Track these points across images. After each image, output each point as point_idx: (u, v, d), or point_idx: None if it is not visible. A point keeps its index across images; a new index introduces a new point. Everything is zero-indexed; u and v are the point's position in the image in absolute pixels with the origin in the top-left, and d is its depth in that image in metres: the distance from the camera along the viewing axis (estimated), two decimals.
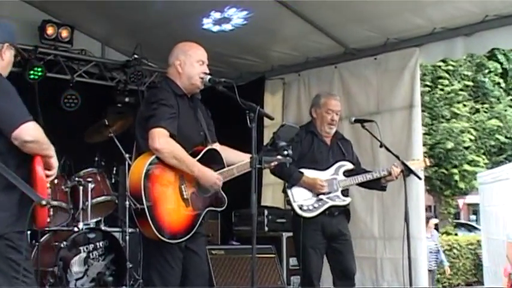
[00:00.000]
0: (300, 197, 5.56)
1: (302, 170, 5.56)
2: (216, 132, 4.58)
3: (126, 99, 8.87)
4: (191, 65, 4.32)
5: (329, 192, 5.57)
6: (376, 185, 5.72)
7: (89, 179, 6.77)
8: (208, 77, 4.30)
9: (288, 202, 5.63)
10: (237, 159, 4.37)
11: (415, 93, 7.38)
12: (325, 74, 8.34)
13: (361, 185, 5.79)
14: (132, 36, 8.44)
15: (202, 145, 4.34)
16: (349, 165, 5.68)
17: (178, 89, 4.30)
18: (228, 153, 4.44)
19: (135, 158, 4.18)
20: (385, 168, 5.65)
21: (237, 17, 7.42)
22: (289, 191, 5.62)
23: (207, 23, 7.55)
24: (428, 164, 5.76)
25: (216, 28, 7.62)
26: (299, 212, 5.53)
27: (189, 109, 4.34)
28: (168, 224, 4.00)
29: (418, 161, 5.83)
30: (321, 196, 5.55)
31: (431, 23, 7.05)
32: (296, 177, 5.58)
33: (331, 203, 5.55)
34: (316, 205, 5.55)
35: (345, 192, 5.65)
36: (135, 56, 8.46)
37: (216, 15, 7.42)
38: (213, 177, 4.18)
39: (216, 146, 4.47)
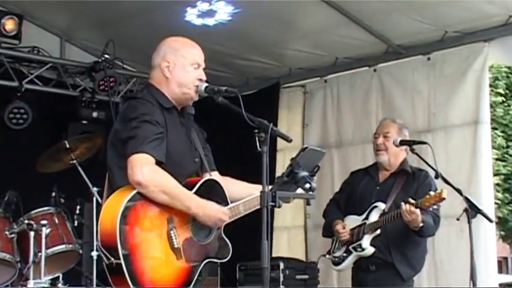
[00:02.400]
0: (336, 247, 6.22)
1: (348, 215, 6.17)
2: (214, 158, 4.63)
3: (94, 114, 8.95)
4: (183, 69, 4.34)
5: (355, 241, 6.00)
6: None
7: (43, 222, 6.78)
8: (205, 84, 4.31)
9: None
10: (244, 193, 4.42)
11: (482, 105, 7.45)
12: (361, 79, 8.43)
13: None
14: (102, 30, 8.55)
15: (197, 175, 4.39)
16: (381, 206, 5.95)
17: (166, 100, 4.32)
18: (232, 186, 4.49)
19: (108, 195, 4.20)
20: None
21: (223, 11, 7.56)
22: (331, 240, 6.28)
23: (191, 14, 7.68)
24: (444, 196, 5.61)
25: (199, 21, 7.75)
26: (331, 265, 6.26)
27: (180, 127, 4.37)
28: (153, 283, 3.99)
29: (433, 195, 5.70)
30: (350, 246, 6.04)
31: (506, 10, 7.14)
32: (326, 224, 6.27)
33: (354, 253, 6.04)
34: (342, 256, 6.11)
35: (374, 241, 5.91)
36: (106, 56, 8.55)
37: (204, 6, 7.55)
38: (216, 212, 4.20)
39: (216, 176, 4.52)
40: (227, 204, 4.35)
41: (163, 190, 4.02)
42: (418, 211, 5.53)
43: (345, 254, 6.06)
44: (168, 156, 4.13)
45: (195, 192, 4.21)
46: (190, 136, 4.42)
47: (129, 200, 3.99)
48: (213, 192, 4.32)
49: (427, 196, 5.56)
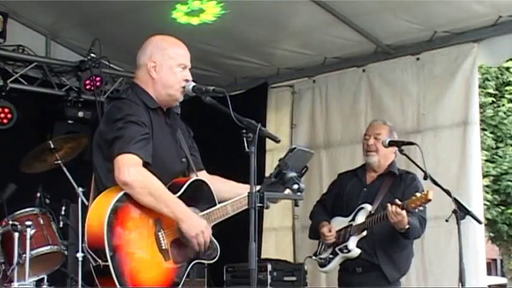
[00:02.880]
0: (321, 249, 6.26)
1: (335, 217, 6.19)
2: (203, 158, 4.63)
3: (80, 114, 8.94)
4: (170, 70, 4.34)
5: (341, 243, 6.03)
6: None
7: (28, 223, 6.77)
8: (193, 84, 4.31)
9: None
10: (232, 193, 4.44)
11: (471, 106, 7.48)
12: (349, 79, 8.46)
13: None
14: (88, 29, 8.54)
15: (184, 175, 4.40)
16: (367, 208, 5.98)
17: (151, 101, 4.33)
18: (220, 185, 4.51)
19: (95, 196, 4.20)
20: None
21: (212, 11, 7.57)
22: (318, 242, 6.31)
23: (179, 11, 7.68)
24: (430, 197, 5.64)
25: (184, 19, 7.74)
26: (318, 266, 6.28)
27: (165, 127, 4.38)
28: (141, 284, 4.00)
29: (419, 196, 5.73)
30: (336, 247, 6.07)
31: (496, 10, 7.17)
32: (313, 226, 6.30)
33: (340, 255, 6.07)
34: (328, 258, 6.15)
35: (360, 243, 5.94)
36: (92, 55, 8.54)
37: (195, 4, 7.55)
38: (198, 226, 4.18)
39: (204, 175, 4.53)
40: (214, 204, 4.36)
41: (150, 192, 4.03)
42: (404, 213, 5.56)
43: (331, 256, 6.10)
44: (154, 157, 4.14)
45: (183, 193, 4.23)
46: (176, 136, 4.43)
47: (117, 201, 4.00)
48: (200, 193, 4.33)
49: (413, 197, 5.59)
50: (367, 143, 6.11)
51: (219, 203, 4.37)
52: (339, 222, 6.08)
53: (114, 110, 4.23)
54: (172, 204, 4.11)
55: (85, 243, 4.07)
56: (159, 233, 4.10)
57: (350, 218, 6.03)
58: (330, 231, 6.03)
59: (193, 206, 4.25)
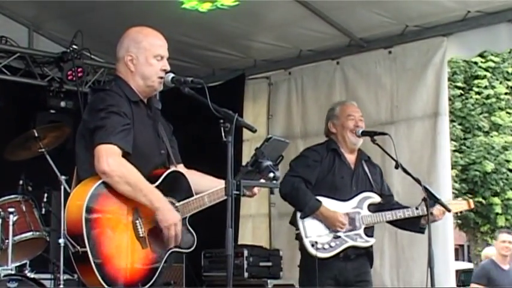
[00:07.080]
0: (314, 232, 5.70)
1: (320, 198, 5.73)
2: (181, 149, 4.61)
3: (62, 104, 8.89)
4: (146, 62, 4.31)
5: (349, 230, 5.70)
6: (413, 225, 5.80)
7: (11, 210, 6.73)
8: (171, 75, 4.30)
9: (298, 237, 5.74)
10: (209, 186, 4.41)
11: (441, 98, 7.52)
12: (324, 71, 8.46)
13: (392, 223, 5.91)
14: (71, 20, 8.48)
15: (165, 167, 4.36)
16: (376, 198, 5.79)
17: (133, 93, 4.31)
18: (197, 179, 4.48)
19: (75, 185, 4.19)
20: (423, 205, 5.60)
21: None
22: (300, 223, 5.72)
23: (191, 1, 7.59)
24: (472, 206, 5.77)
25: (205, 6, 7.66)
26: (311, 250, 5.65)
27: (147, 120, 4.36)
28: (119, 271, 4.00)
29: (459, 202, 5.84)
30: (340, 233, 5.68)
31: (465, 5, 7.19)
32: (313, 206, 5.70)
33: (350, 243, 5.69)
34: (332, 244, 5.68)
35: (369, 232, 5.75)
36: (74, 46, 8.49)
37: None
38: (173, 218, 4.16)
39: (181, 168, 4.51)
40: (191, 195, 4.35)
41: (128, 182, 4.03)
42: None
43: (337, 242, 5.66)
44: (134, 148, 4.13)
45: (160, 183, 4.22)
46: (157, 128, 4.41)
47: (95, 189, 4.00)
48: (177, 184, 4.33)
49: (456, 204, 5.67)
50: (356, 125, 5.82)
51: (195, 194, 4.36)
52: (335, 207, 5.71)
53: (97, 100, 4.22)
54: (149, 194, 4.10)
55: (65, 230, 4.07)
56: (137, 221, 4.09)
57: (353, 204, 5.73)
58: (343, 218, 5.66)
59: (171, 196, 4.24)
